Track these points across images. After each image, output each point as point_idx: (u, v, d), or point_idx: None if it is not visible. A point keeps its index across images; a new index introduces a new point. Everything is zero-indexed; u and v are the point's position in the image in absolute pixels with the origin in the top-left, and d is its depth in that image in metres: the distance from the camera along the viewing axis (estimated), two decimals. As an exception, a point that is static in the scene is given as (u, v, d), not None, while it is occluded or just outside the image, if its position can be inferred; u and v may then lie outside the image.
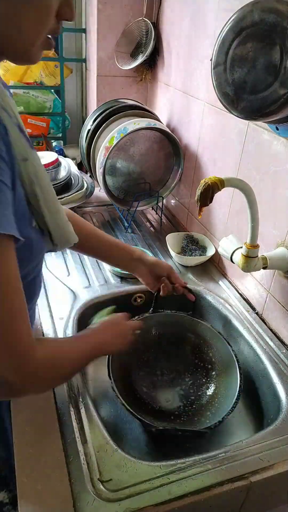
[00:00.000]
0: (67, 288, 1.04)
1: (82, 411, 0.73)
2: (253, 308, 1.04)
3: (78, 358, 0.64)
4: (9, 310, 0.48)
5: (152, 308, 0.95)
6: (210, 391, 0.89)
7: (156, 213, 1.53)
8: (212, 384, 0.90)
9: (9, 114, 0.52)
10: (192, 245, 1.24)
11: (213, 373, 0.92)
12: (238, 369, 0.83)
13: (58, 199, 1.30)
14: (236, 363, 0.84)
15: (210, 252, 1.20)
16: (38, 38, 0.50)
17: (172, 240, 1.24)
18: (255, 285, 1.03)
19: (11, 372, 0.49)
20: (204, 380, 0.92)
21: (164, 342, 0.98)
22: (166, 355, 0.97)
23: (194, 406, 0.87)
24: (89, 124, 1.42)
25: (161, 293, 0.92)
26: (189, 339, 0.97)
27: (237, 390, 0.79)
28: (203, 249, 1.23)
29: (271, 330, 0.97)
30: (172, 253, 1.20)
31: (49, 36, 0.52)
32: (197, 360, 0.96)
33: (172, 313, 0.97)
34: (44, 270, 1.11)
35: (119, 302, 0.99)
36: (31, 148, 0.57)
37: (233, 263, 0.92)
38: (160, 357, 0.97)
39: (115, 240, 0.92)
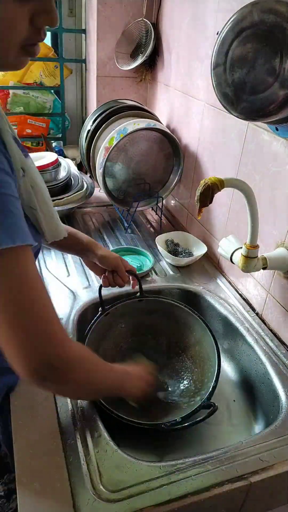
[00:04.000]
0: (67, 289, 1.04)
1: (82, 411, 0.73)
2: (253, 309, 1.04)
3: (105, 373, 0.66)
4: (44, 305, 0.51)
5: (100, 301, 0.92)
6: (185, 382, 0.90)
7: (156, 214, 1.53)
8: (189, 374, 0.91)
9: (5, 125, 0.52)
10: (175, 246, 1.26)
11: (189, 363, 0.93)
12: (217, 357, 0.84)
13: (58, 199, 1.32)
14: (216, 351, 0.85)
15: (200, 251, 1.20)
16: (9, 49, 0.49)
17: (161, 242, 1.25)
18: (254, 285, 1.03)
19: (51, 357, 0.52)
20: (181, 370, 0.93)
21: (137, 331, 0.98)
22: (141, 345, 0.97)
23: (173, 399, 0.87)
24: (89, 125, 1.42)
25: (102, 283, 0.93)
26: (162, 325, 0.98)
27: (213, 381, 0.80)
28: (187, 250, 1.25)
29: (271, 330, 0.97)
30: (164, 253, 1.20)
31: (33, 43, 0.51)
32: (173, 349, 0.96)
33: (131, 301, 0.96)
34: (44, 271, 1.11)
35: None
36: (25, 156, 0.58)
37: (233, 263, 0.92)
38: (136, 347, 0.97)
39: (72, 229, 0.91)
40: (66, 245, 0.86)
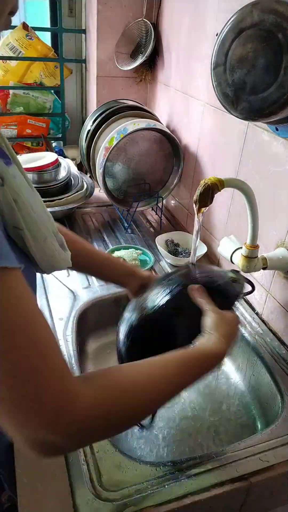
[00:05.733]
0: (67, 289, 1.04)
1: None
2: (253, 309, 1.04)
3: (162, 381, 0.49)
4: (35, 352, 0.37)
5: None
6: None
7: (156, 214, 1.53)
8: None
9: None
10: (175, 247, 1.26)
11: None
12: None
13: (58, 199, 1.32)
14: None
15: (200, 251, 1.20)
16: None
17: (161, 242, 1.25)
18: (254, 285, 1.03)
19: (48, 430, 0.37)
20: None
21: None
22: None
23: None
24: (89, 125, 1.42)
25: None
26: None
27: None
28: (187, 250, 1.25)
29: (271, 330, 0.97)
30: (164, 253, 1.20)
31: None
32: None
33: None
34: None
35: (119, 303, 0.99)
36: (6, 164, 0.48)
37: (233, 263, 0.92)
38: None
39: (106, 255, 0.86)
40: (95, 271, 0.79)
